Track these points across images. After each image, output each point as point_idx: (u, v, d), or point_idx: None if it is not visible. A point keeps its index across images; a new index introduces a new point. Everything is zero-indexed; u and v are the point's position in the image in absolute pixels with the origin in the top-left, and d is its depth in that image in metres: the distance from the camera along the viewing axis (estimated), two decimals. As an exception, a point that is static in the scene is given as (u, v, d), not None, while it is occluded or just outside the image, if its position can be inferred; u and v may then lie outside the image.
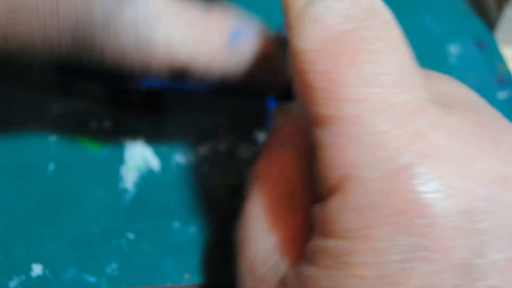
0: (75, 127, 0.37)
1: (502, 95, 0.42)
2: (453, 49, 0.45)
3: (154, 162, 0.36)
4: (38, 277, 0.31)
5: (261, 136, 0.38)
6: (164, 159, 0.36)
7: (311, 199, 0.27)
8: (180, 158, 0.37)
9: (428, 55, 0.44)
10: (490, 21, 0.47)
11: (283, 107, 0.31)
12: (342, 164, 0.21)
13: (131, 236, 0.33)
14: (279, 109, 0.31)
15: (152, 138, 0.37)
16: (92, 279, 0.31)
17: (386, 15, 0.24)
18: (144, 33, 0.27)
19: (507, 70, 0.44)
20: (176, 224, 0.34)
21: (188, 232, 0.33)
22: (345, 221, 0.21)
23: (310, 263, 0.22)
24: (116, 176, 0.35)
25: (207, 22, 0.28)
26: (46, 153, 0.36)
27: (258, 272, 0.25)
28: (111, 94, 0.38)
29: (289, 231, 0.25)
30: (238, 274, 0.26)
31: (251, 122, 0.39)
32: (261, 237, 0.25)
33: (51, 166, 0.35)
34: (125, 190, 0.35)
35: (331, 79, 0.21)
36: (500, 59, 0.45)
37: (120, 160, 0.36)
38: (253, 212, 0.27)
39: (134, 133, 0.37)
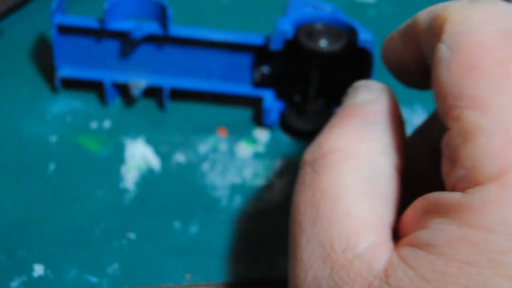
0: (75, 127, 0.37)
1: (501, 92, 0.42)
2: (452, 46, 0.45)
3: (154, 162, 0.36)
4: (40, 277, 0.31)
5: (261, 136, 0.38)
6: (164, 159, 0.36)
7: (408, 184, 0.25)
8: (180, 158, 0.37)
9: (427, 53, 0.44)
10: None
11: (367, 83, 0.29)
12: (509, 154, 0.19)
13: (132, 236, 0.33)
14: (362, 84, 0.28)
15: (152, 138, 0.37)
16: (93, 279, 0.31)
17: None
18: None
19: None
20: (177, 224, 0.34)
21: (189, 232, 0.33)
22: (505, 214, 0.19)
23: (439, 255, 0.19)
24: (116, 176, 0.35)
25: None
26: (46, 153, 0.36)
27: (339, 257, 0.22)
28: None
29: (377, 213, 0.23)
30: (295, 260, 0.23)
31: (251, 122, 0.39)
32: (341, 217, 0.22)
33: (51, 166, 0.35)
34: (125, 190, 0.35)
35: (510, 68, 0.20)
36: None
37: (120, 160, 0.36)
38: (329, 189, 0.23)
39: (134, 133, 0.37)
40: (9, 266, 0.31)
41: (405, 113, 0.40)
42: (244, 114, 0.39)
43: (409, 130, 0.39)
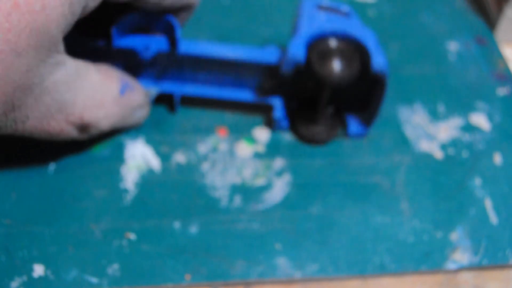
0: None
1: (501, 91, 0.42)
2: (452, 46, 0.45)
3: (154, 162, 0.36)
4: (40, 277, 0.31)
5: (261, 136, 0.38)
6: (164, 159, 0.36)
7: None
8: (180, 158, 0.37)
9: (428, 52, 0.44)
10: (490, 20, 0.47)
11: None
12: None
13: (132, 236, 0.33)
14: None
15: (152, 138, 0.37)
16: (93, 279, 0.31)
17: None
18: (61, 99, 0.30)
19: (506, 66, 0.44)
20: (176, 225, 0.34)
21: (188, 233, 0.33)
22: None
23: None
24: (116, 176, 0.35)
25: (103, 84, 0.32)
26: (46, 153, 0.36)
27: None
28: None
29: None
30: None
31: (251, 122, 0.39)
32: None
33: (51, 166, 0.35)
34: (125, 190, 0.35)
35: None
36: (499, 55, 0.44)
37: (120, 160, 0.36)
38: None
39: (134, 133, 0.37)
40: (9, 266, 0.31)
41: (405, 112, 0.40)
42: (244, 114, 0.39)
43: (409, 129, 0.39)
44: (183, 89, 0.38)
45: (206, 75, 0.37)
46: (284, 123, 0.38)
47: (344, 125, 0.39)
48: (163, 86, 0.38)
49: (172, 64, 0.37)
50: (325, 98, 0.36)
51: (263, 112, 0.39)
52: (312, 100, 0.38)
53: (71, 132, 0.31)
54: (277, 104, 0.38)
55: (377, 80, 0.35)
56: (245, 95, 0.38)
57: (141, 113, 0.36)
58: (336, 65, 0.33)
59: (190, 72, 0.37)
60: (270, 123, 0.39)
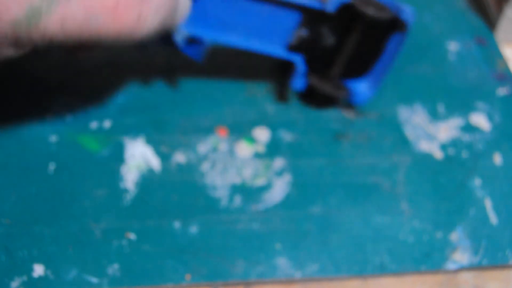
0: (75, 127, 0.37)
1: (502, 91, 0.42)
2: (452, 46, 0.45)
3: (154, 162, 0.36)
4: (40, 277, 0.31)
5: (261, 136, 0.38)
6: (164, 159, 0.36)
7: None
8: (180, 158, 0.37)
9: (428, 52, 0.44)
10: (490, 20, 0.47)
11: None
12: None
13: (132, 236, 0.33)
14: None
15: (152, 138, 0.37)
16: (93, 279, 0.31)
17: None
18: None
19: (506, 66, 0.44)
20: (177, 225, 0.34)
21: (188, 233, 0.33)
22: None
23: None
24: (116, 176, 0.35)
25: None
26: (46, 153, 0.36)
27: None
28: None
29: None
30: None
31: (251, 122, 0.39)
32: None
33: (51, 166, 0.35)
34: (125, 190, 0.35)
35: None
36: (499, 55, 0.44)
37: (120, 160, 0.36)
38: None
39: (134, 133, 0.37)
40: (9, 266, 0.31)
41: (405, 112, 0.40)
42: (244, 114, 0.39)
43: (409, 129, 0.39)
44: (212, 35, 0.37)
45: (238, 21, 0.37)
46: (303, 81, 0.39)
47: (349, 96, 0.40)
48: (194, 30, 0.37)
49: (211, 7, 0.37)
50: (349, 47, 0.38)
51: (274, 81, 0.40)
52: (326, 63, 0.39)
53: (130, 15, 0.28)
54: (298, 60, 0.39)
55: (397, 28, 0.37)
56: (271, 49, 0.38)
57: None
58: (371, 8, 0.37)
59: (222, 18, 0.37)
60: (282, 95, 0.40)
